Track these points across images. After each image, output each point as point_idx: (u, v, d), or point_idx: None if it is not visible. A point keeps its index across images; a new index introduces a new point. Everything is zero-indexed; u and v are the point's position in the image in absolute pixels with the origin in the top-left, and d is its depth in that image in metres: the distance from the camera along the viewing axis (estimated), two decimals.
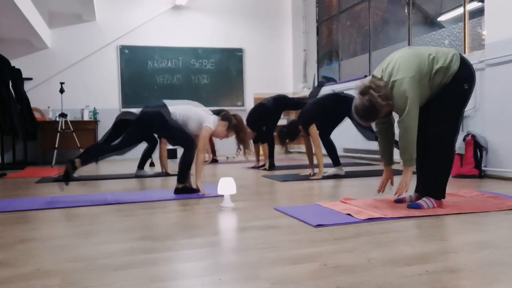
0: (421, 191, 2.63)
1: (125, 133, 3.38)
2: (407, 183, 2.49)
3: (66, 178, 3.12)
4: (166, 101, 3.43)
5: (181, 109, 3.34)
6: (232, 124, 3.35)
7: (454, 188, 3.38)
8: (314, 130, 4.21)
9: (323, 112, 4.30)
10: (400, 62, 2.42)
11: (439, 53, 2.47)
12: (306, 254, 1.66)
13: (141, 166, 4.89)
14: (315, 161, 4.38)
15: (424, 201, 2.50)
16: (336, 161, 4.46)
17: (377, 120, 2.56)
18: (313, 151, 4.33)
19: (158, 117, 3.27)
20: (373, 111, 2.42)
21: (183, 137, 3.25)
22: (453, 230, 2.02)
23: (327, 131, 4.49)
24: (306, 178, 4.21)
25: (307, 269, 1.48)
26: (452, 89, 2.46)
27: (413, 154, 2.45)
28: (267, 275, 1.42)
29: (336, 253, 1.66)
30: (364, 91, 2.41)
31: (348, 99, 4.18)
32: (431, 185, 2.54)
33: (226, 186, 2.73)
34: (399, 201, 2.68)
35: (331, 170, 4.45)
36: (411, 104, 2.37)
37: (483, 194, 2.97)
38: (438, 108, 2.50)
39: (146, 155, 4.90)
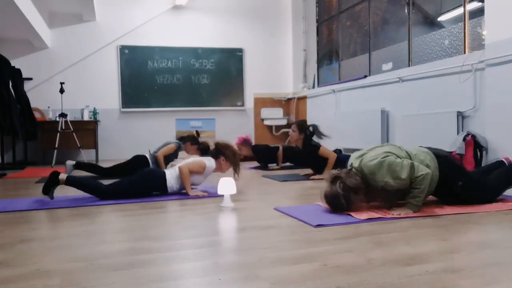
0: None
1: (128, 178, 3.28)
2: (401, 215, 2.34)
3: (48, 189, 3.03)
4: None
5: None
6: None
7: None
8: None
9: None
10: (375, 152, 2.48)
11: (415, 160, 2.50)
12: (306, 254, 1.66)
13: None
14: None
15: None
16: None
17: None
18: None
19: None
20: (347, 204, 2.43)
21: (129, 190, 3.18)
22: (453, 230, 2.02)
23: None
24: (306, 178, 4.21)
25: (307, 269, 1.48)
26: (450, 193, 2.58)
27: (420, 201, 2.40)
28: (267, 275, 1.42)
29: (336, 253, 1.66)
30: (334, 180, 2.45)
31: None
32: None
33: (226, 186, 2.74)
34: None
35: None
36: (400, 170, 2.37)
37: None
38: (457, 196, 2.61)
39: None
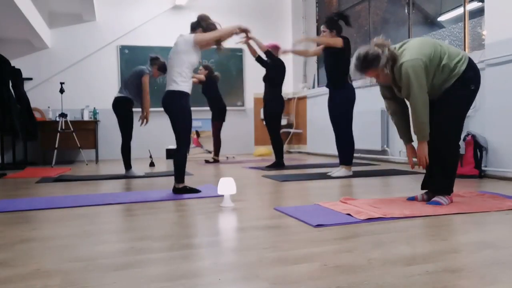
0: (431, 188, 2.71)
1: None
2: (426, 156, 2.56)
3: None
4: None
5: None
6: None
7: (454, 188, 3.38)
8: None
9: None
10: (415, 45, 2.52)
11: (450, 49, 2.56)
12: (306, 254, 1.66)
13: (127, 165, 4.82)
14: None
15: (441, 199, 2.62)
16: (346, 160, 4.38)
17: (363, 77, 2.66)
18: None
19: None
20: (373, 63, 2.52)
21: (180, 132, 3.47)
22: (453, 230, 2.02)
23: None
24: (307, 179, 4.20)
25: (307, 269, 1.48)
26: (458, 90, 2.53)
27: (424, 132, 2.51)
28: (267, 275, 1.42)
29: (336, 253, 1.66)
30: (381, 45, 2.54)
31: None
32: (442, 183, 2.63)
33: (226, 186, 2.74)
34: (411, 198, 2.77)
35: (341, 171, 4.36)
36: (419, 85, 2.44)
37: (483, 194, 2.97)
38: (443, 109, 2.55)
39: (124, 152, 4.81)
